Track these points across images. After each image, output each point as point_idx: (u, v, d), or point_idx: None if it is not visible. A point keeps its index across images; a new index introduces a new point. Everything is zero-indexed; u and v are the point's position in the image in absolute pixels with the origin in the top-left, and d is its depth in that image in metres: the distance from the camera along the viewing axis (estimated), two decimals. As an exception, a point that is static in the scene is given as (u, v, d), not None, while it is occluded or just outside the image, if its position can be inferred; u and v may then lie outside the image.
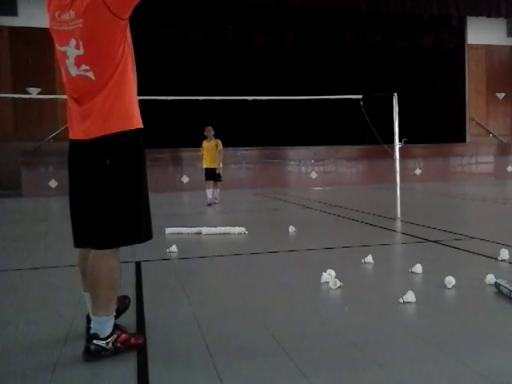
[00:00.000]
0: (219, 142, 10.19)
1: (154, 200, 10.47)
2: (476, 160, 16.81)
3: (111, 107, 2.38)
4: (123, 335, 2.51)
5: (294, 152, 15.45)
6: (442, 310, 3.07)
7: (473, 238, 5.50)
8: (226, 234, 6.10)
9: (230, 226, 6.33)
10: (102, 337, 2.44)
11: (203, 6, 15.13)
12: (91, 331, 2.47)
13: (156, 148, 14.67)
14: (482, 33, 17.57)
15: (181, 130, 15.62)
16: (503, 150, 17.07)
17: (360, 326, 2.78)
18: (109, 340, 2.45)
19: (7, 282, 4.12)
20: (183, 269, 4.45)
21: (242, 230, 6.13)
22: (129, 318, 3.03)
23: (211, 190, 10.02)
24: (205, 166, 10.28)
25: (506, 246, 4.63)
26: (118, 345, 2.47)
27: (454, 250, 4.88)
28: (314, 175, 15.38)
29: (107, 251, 2.47)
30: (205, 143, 10.36)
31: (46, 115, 14.45)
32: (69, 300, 3.46)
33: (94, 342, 2.43)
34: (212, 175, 10.09)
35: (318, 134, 16.05)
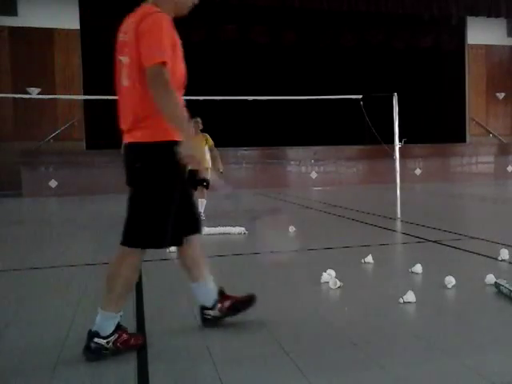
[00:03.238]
0: (208, 136, 7.90)
1: (154, 200, 10.14)
2: (476, 160, 16.81)
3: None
4: (124, 335, 2.51)
5: (293, 152, 15.45)
6: (442, 310, 3.07)
7: (473, 237, 5.50)
8: (225, 233, 6.10)
9: (230, 226, 6.33)
10: (102, 335, 2.44)
11: (203, 6, 15.09)
12: (93, 329, 2.47)
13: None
14: (482, 33, 17.58)
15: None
16: (503, 150, 17.07)
17: (360, 326, 2.78)
18: (109, 339, 2.45)
19: (7, 282, 4.12)
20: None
21: (241, 230, 6.13)
22: (129, 317, 3.03)
23: (204, 200, 7.65)
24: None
25: (506, 245, 4.62)
26: (118, 345, 2.47)
27: (454, 250, 4.88)
28: (314, 175, 15.38)
29: (128, 251, 2.53)
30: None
31: (45, 115, 14.46)
32: (69, 300, 3.46)
33: (95, 340, 2.43)
34: (201, 179, 7.19)
35: (317, 134, 16.04)
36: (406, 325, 2.77)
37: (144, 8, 2.57)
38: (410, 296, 3.18)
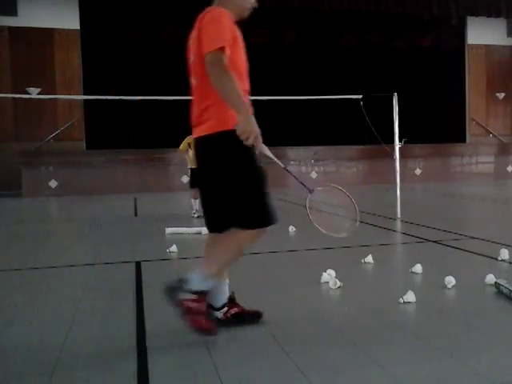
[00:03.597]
0: None
1: (154, 200, 10.49)
2: (476, 160, 16.81)
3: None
4: (194, 304, 2.54)
5: (294, 152, 15.45)
6: (442, 310, 3.07)
7: (473, 237, 5.50)
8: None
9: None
10: (188, 287, 2.54)
11: (203, 6, 15.13)
12: (185, 277, 2.58)
13: (156, 148, 14.68)
14: (482, 33, 17.58)
15: (181, 130, 15.61)
16: (503, 150, 17.07)
17: (360, 326, 2.78)
18: (186, 293, 2.55)
19: (7, 282, 4.12)
20: (183, 269, 4.44)
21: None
22: (129, 318, 3.03)
23: (197, 201, 7.74)
24: (193, 165, 7.64)
25: (506, 246, 4.63)
26: (184, 306, 2.53)
27: (454, 250, 4.88)
28: (314, 175, 15.38)
29: (242, 231, 2.66)
30: (192, 139, 8.29)
31: (45, 115, 14.46)
32: (69, 300, 3.46)
33: (181, 282, 2.56)
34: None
35: (317, 134, 16.04)
36: (406, 325, 2.77)
37: (208, 8, 2.68)
38: (410, 296, 3.18)
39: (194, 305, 2.55)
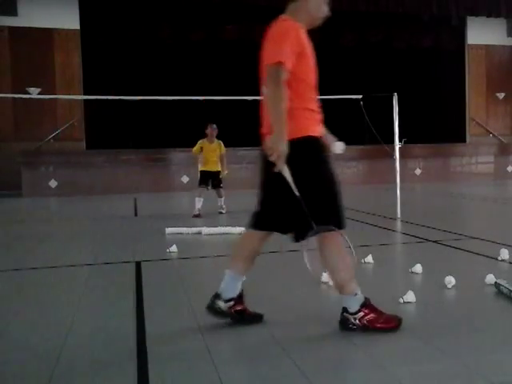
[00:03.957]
0: (222, 143, 8.69)
1: (154, 200, 10.48)
2: (476, 160, 16.81)
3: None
4: (371, 315, 2.68)
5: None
6: (442, 310, 3.07)
7: (473, 237, 5.50)
8: (225, 234, 6.11)
9: (230, 226, 6.34)
10: (350, 311, 2.70)
11: (203, 6, 15.14)
12: (343, 305, 2.74)
13: (156, 148, 14.68)
14: (482, 33, 17.58)
15: (181, 130, 15.61)
16: (503, 150, 17.07)
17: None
18: (356, 316, 2.69)
19: (7, 282, 4.12)
20: (183, 269, 4.45)
21: (241, 230, 6.13)
22: (129, 318, 3.03)
23: (202, 200, 8.29)
24: (204, 168, 8.57)
25: (506, 246, 4.63)
26: (365, 322, 2.68)
27: (454, 250, 4.88)
28: (314, 175, 15.38)
29: (326, 238, 2.71)
30: (205, 143, 8.62)
31: (45, 115, 14.46)
32: (69, 300, 3.46)
33: (344, 314, 2.72)
34: (212, 180, 8.50)
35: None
36: (406, 325, 2.77)
37: (279, 18, 2.76)
38: (410, 296, 3.18)
39: (369, 317, 2.69)
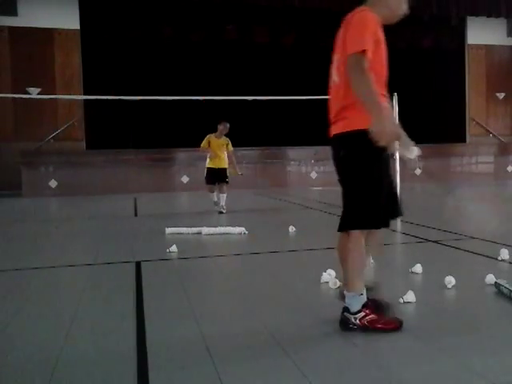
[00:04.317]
0: (229, 140, 8.78)
1: (154, 200, 10.47)
2: (476, 160, 16.81)
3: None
4: (371, 316, 2.69)
5: (294, 152, 15.45)
6: (442, 310, 3.07)
7: (473, 237, 5.50)
8: (225, 234, 6.11)
9: (230, 226, 6.34)
10: (351, 311, 2.71)
11: (203, 5, 15.14)
12: (345, 304, 2.74)
13: (156, 148, 14.69)
14: (482, 33, 17.58)
15: (181, 129, 15.61)
16: (503, 150, 17.07)
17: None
18: (356, 316, 2.70)
19: (7, 282, 4.12)
20: (183, 269, 4.45)
21: (241, 229, 6.13)
22: (128, 318, 3.03)
23: (215, 193, 8.65)
24: (210, 165, 8.69)
25: (506, 246, 4.63)
26: (366, 323, 2.68)
27: (454, 250, 4.88)
28: (313, 175, 15.39)
29: (349, 234, 2.72)
30: (212, 137, 8.68)
31: (45, 115, 14.47)
32: (69, 300, 3.46)
33: (344, 313, 2.73)
34: (218, 177, 8.63)
35: (317, 134, 16.01)
36: (406, 325, 2.77)
37: (357, 8, 2.74)
38: (410, 296, 3.18)
39: (370, 317, 2.69)
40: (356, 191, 2.71)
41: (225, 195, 8.60)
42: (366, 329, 2.67)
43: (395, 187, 2.99)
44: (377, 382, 2.14)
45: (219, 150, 8.66)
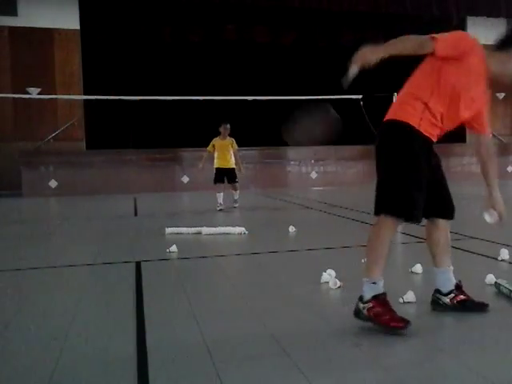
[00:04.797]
0: (234, 140, 9.26)
1: (154, 200, 10.48)
2: (476, 160, 16.81)
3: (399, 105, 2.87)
4: (378, 309, 2.66)
5: (294, 152, 15.45)
6: (442, 310, 3.07)
7: (473, 237, 5.50)
8: (225, 234, 6.11)
9: (230, 226, 6.34)
10: (363, 300, 2.70)
11: (203, 5, 15.14)
12: (361, 293, 2.72)
13: (156, 148, 14.69)
14: (482, 33, 17.53)
15: (181, 129, 15.62)
16: (503, 150, 17.06)
17: (360, 326, 2.78)
18: (365, 305, 2.69)
19: (7, 282, 4.12)
20: (183, 269, 4.45)
21: (241, 229, 6.13)
22: (128, 318, 3.03)
23: (222, 194, 8.99)
24: (219, 165, 9.15)
25: (506, 246, 4.63)
26: (371, 314, 2.65)
27: (454, 250, 4.85)
28: (314, 175, 15.38)
29: (380, 219, 2.74)
30: (218, 141, 9.17)
31: (45, 115, 14.46)
32: (69, 300, 3.46)
33: (358, 302, 2.72)
34: (227, 176, 9.14)
35: (317, 134, 16.03)
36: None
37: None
38: (410, 296, 3.18)
39: (376, 310, 2.66)
40: (389, 174, 2.75)
41: (237, 192, 9.28)
42: (372, 321, 2.65)
43: (447, 188, 3.01)
44: (377, 382, 2.14)
45: (225, 151, 9.12)
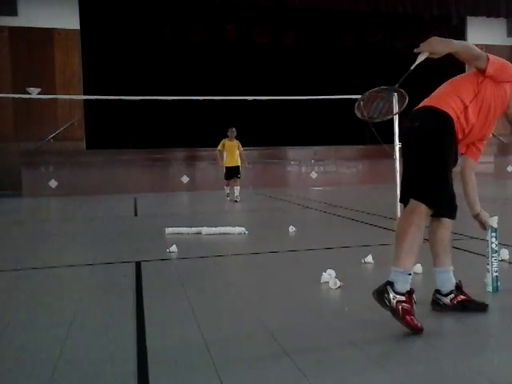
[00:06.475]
0: (239, 142, 11.01)
1: (154, 200, 10.50)
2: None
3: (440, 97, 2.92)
4: (408, 305, 2.60)
5: (294, 152, 15.45)
6: (442, 310, 3.06)
7: (473, 237, 5.49)
8: (225, 234, 6.10)
9: (230, 226, 6.33)
10: (394, 289, 2.60)
11: (203, 5, 15.14)
12: (390, 279, 2.64)
13: (156, 148, 14.69)
14: (481, 33, 17.59)
15: (181, 129, 15.61)
16: (503, 150, 17.06)
17: (360, 326, 2.78)
18: (397, 296, 2.58)
19: (7, 282, 4.12)
20: (183, 269, 4.45)
21: (242, 229, 6.13)
22: (128, 318, 3.03)
23: (229, 187, 10.84)
24: (228, 164, 10.89)
25: (506, 246, 4.62)
26: (400, 308, 2.57)
27: (454, 250, 4.84)
28: (314, 175, 15.38)
29: (412, 207, 2.72)
30: (227, 142, 10.94)
31: (46, 115, 14.47)
32: (69, 300, 3.46)
33: (387, 287, 2.60)
34: (234, 173, 10.85)
35: (317, 134, 16.04)
36: (406, 325, 2.77)
37: None
38: (410, 296, 3.17)
39: (405, 305, 2.60)
40: (422, 161, 2.75)
41: (238, 187, 10.68)
42: (395, 315, 2.58)
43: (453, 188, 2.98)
44: (377, 382, 2.14)
45: (233, 150, 10.92)
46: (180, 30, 15.75)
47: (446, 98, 2.85)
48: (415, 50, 2.71)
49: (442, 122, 2.79)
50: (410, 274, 2.66)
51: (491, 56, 2.82)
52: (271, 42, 16.83)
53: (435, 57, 2.73)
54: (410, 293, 2.64)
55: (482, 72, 2.85)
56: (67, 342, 2.64)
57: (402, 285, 2.62)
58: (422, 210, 2.70)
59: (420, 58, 2.72)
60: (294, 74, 17.05)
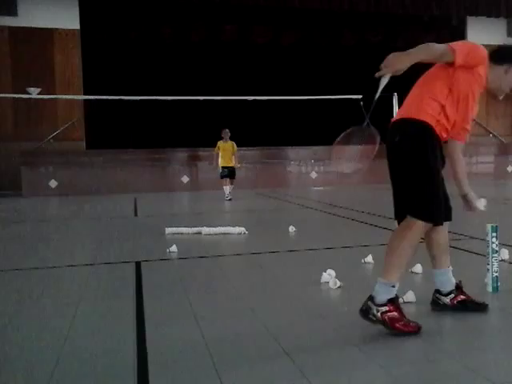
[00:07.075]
0: (234, 143, 11.30)
1: (154, 200, 10.50)
2: (476, 160, 16.80)
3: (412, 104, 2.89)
4: (394, 313, 2.61)
5: (294, 152, 15.45)
6: (442, 310, 3.07)
7: (473, 237, 5.49)
8: (225, 234, 6.10)
9: (230, 226, 6.33)
10: (375, 302, 2.62)
11: (203, 5, 15.14)
12: (372, 293, 2.66)
13: (156, 148, 14.69)
14: (481, 33, 17.58)
15: (181, 129, 15.61)
16: (503, 150, 17.06)
17: (360, 326, 2.78)
18: (380, 308, 2.61)
19: (7, 282, 4.12)
20: (183, 269, 4.45)
21: (242, 229, 6.13)
22: (128, 317, 3.03)
23: (228, 187, 11.07)
24: (223, 164, 11.22)
25: (506, 246, 4.62)
26: (386, 318, 2.60)
27: (454, 250, 4.86)
28: (314, 175, 15.38)
29: (408, 223, 2.71)
30: (221, 143, 11.25)
31: (45, 115, 14.47)
32: (69, 300, 3.46)
33: (368, 302, 2.64)
34: (229, 173, 11.22)
35: (317, 134, 16.03)
36: (406, 325, 2.76)
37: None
38: (410, 296, 3.18)
39: (392, 314, 2.62)
40: (408, 176, 2.74)
41: (232, 186, 11.24)
42: (385, 325, 2.61)
43: (446, 191, 2.98)
44: (377, 382, 2.14)
45: (228, 152, 11.24)
46: (180, 30, 15.75)
47: (420, 104, 2.80)
48: (376, 75, 2.66)
49: (421, 133, 2.74)
50: (393, 286, 2.68)
51: (455, 44, 2.77)
52: (271, 42, 16.83)
53: (399, 73, 2.69)
54: (392, 300, 2.65)
55: (452, 64, 2.77)
56: (67, 342, 2.64)
57: (382, 296, 2.64)
58: (418, 226, 2.70)
59: (383, 82, 2.69)
60: (294, 74, 17.03)
